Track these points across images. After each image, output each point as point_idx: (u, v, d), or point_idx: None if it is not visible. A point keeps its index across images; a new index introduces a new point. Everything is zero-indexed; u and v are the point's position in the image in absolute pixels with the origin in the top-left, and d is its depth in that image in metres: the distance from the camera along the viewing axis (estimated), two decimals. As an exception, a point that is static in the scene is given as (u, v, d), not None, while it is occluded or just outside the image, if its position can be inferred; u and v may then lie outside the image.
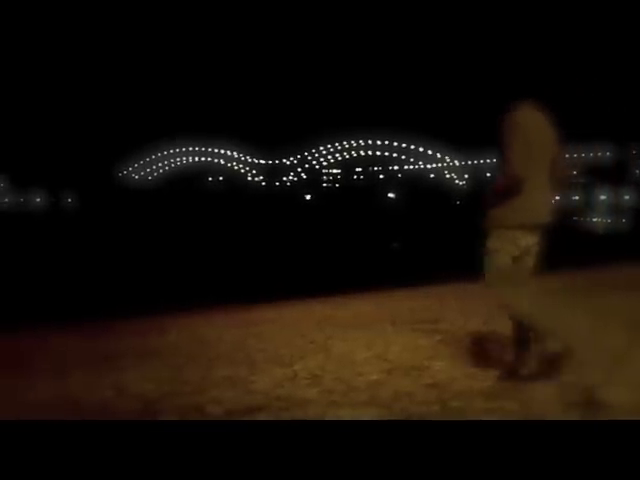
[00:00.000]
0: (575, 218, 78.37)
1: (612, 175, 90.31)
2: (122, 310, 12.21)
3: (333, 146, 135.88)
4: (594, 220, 77.16)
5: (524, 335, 3.94)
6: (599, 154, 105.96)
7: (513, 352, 4.17)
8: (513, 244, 3.78)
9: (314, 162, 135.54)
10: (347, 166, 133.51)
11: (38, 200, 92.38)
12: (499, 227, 3.79)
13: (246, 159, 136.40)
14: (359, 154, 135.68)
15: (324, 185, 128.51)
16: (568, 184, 4.30)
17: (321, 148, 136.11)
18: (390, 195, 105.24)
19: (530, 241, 3.83)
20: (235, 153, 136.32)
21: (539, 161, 3.76)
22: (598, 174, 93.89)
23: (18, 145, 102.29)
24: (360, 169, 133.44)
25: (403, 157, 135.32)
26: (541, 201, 3.80)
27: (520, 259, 3.84)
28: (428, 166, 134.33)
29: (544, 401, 3.66)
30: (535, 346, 3.91)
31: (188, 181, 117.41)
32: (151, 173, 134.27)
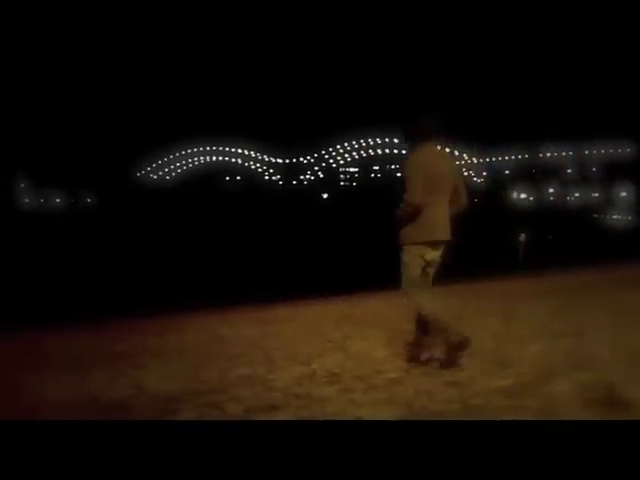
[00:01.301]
0: (595, 215, 77.73)
1: (633, 172, 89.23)
2: (141, 310, 12.29)
3: (350, 144, 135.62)
4: (614, 217, 76.44)
5: (425, 327, 4.71)
6: (619, 151, 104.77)
7: (416, 341, 4.87)
8: (420, 257, 4.57)
9: (331, 161, 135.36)
10: (364, 164, 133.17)
11: (57, 200, 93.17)
12: (409, 244, 4.56)
13: (263, 158, 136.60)
14: (376, 152, 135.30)
15: (341, 184, 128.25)
16: (466, 206, 5.00)
17: (338, 146, 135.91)
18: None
19: (433, 255, 4.60)
20: (252, 152, 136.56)
21: (437, 190, 4.48)
22: (619, 171, 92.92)
23: (38, 146, 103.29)
24: (377, 167, 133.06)
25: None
26: (440, 222, 4.54)
27: (426, 269, 4.65)
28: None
29: (564, 399, 3.63)
30: (438, 336, 4.66)
31: (206, 180, 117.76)
32: (169, 173, 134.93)
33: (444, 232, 4.56)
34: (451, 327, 4.57)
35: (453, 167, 4.66)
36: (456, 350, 4.54)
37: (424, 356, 4.79)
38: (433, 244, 4.55)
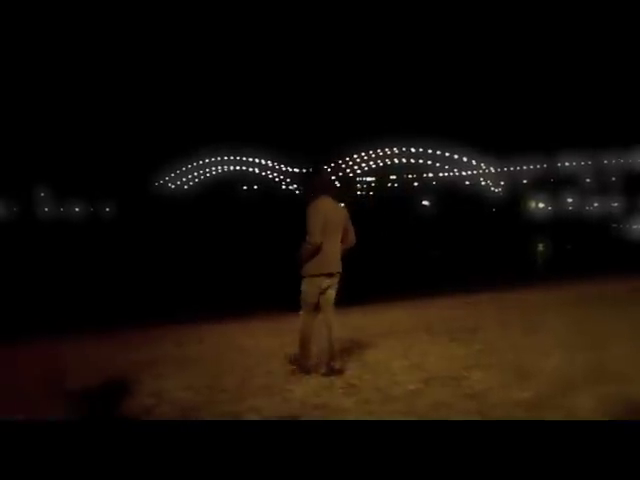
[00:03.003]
0: (615, 225, 76.96)
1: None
2: (160, 319, 12.34)
3: (367, 154, 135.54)
4: (634, 227, 75.60)
5: (309, 343, 5.74)
6: (639, 160, 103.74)
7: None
8: (317, 286, 5.59)
9: (348, 170, 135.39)
10: (381, 174, 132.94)
11: (77, 210, 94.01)
12: (307, 275, 5.58)
13: (280, 167, 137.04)
14: (393, 162, 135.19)
15: (358, 193, 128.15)
16: (354, 244, 5.86)
17: (355, 156, 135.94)
18: (425, 203, 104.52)
19: (328, 283, 5.62)
20: (269, 161, 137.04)
21: (331, 232, 5.58)
22: (638, 180, 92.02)
23: (57, 156, 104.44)
24: (394, 177, 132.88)
25: (438, 164, 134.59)
26: (333, 258, 5.61)
27: (324, 294, 5.64)
28: (463, 173, 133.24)
29: (585, 412, 3.60)
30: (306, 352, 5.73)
31: (223, 190, 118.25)
32: (187, 182, 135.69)
33: (336, 265, 5.65)
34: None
35: (343, 214, 5.75)
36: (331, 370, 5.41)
37: (308, 364, 5.68)
38: (328, 275, 5.60)
